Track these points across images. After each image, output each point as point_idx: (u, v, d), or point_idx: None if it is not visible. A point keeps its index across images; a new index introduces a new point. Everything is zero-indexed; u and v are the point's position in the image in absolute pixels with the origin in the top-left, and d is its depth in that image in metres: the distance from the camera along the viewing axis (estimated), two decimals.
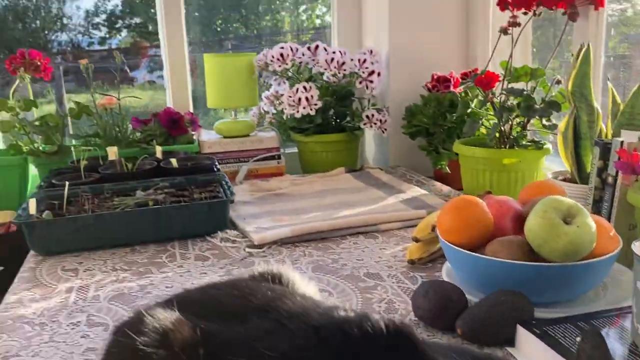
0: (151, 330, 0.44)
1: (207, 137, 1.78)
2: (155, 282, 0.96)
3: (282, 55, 1.67)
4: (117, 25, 2.63)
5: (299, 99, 1.61)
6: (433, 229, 0.97)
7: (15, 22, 2.37)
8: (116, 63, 1.71)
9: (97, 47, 2.61)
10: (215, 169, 1.47)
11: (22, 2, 2.37)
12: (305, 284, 0.57)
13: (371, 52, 1.69)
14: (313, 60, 1.71)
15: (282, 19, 2.42)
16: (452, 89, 1.61)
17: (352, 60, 1.66)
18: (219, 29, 2.40)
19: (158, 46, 1.98)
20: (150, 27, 2.66)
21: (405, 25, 1.76)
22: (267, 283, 0.55)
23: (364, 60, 1.65)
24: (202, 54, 1.87)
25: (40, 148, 1.62)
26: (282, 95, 1.77)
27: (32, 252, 1.13)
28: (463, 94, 1.60)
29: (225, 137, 1.77)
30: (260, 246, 1.10)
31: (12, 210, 1.53)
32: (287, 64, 1.68)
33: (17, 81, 1.65)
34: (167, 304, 0.50)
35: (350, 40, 1.96)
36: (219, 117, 2.04)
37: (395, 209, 1.27)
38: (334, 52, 1.63)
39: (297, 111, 1.62)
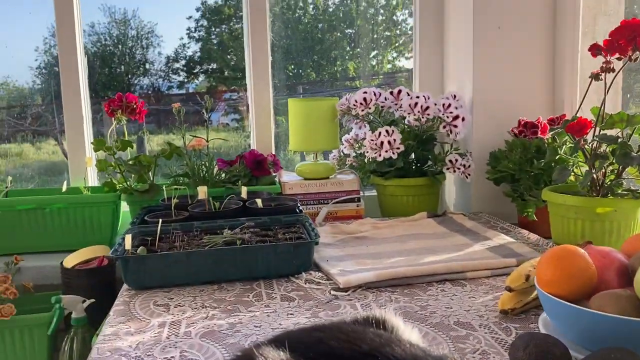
0: None
1: (288, 179, 1.82)
2: (244, 320, 0.98)
3: (365, 99, 1.69)
4: (195, 71, 2.76)
5: (381, 143, 1.62)
6: (527, 278, 0.94)
7: (103, 67, 2.53)
8: (192, 106, 1.79)
9: (175, 90, 2.74)
10: (298, 210, 1.49)
11: (109, 49, 2.54)
12: (409, 330, 0.56)
13: (454, 96, 1.69)
14: (395, 104, 1.72)
15: (353, 65, 2.47)
16: (539, 134, 1.57)
17: (435, 104, 1.66)
18: (290, 74, 2.47)
19: (233, 91, 2.05)
20: (226, 73, 2.77)
21: (489, 70, 1.75)
22: (371, 328, 0.54)
23: (448, 105, 1.65)
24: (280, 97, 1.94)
25: (133, 186, 1.70)
26: (362, 138, 1.79)
27: (125, 286, 1.18)
28: (550, 140, 1.56)
29: (306, 179, 1.80)
30: (345, 289, 1.10)
31: (105, 245, 1.61)
32: (369, 108, 1.70)
33: (114, 122, 1.75)
34: (272, 344, 0.50)
35: (432, 85, 1.97)
36: (288, 158, 2.09)
37: (483, 257, 1.23)
38: (417, 97, 1.64)
39: (379, 154, 1.62)
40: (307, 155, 1.96)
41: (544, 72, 1.78)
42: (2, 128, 2.53)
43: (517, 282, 0.95)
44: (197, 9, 2.67)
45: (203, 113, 2.49)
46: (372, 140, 1.63)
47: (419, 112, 1.64)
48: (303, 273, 1.20)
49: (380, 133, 1.63)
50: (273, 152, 1.95)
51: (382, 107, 1.74)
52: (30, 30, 2.33)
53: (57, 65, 2.51)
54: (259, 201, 1.48)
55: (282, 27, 2.42)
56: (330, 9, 2.52)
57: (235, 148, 2.16)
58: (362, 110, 1.69)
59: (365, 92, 1.70)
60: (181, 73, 2.73)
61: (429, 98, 1.66)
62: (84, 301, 1.42)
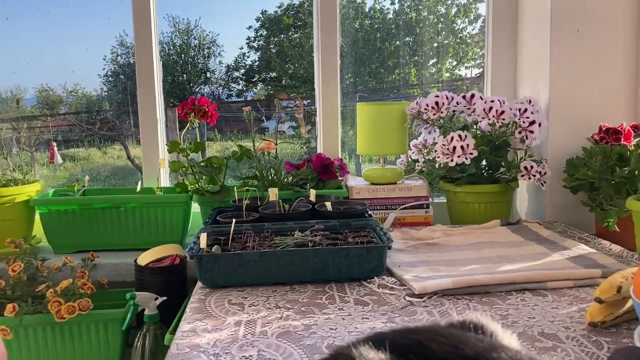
0: None
1: (355, 183, 1.80)
2: (319, 322, 0.97)
3: (437, 103, 1.66)
4: (254, 79, 2.80)
5: (454, 148, 1.59)
6: (619, 290, 0.89)
7: (166, 76, 2.61)
8: (251, 114, 1.80)
9: (234, 99, 2.79)
10: (367, 215, 1.48)
11: (172, 58, 2.61)
12: (508, 336, 0.54)
13: (529, 101, 1.64)
14: (468, 108, 1.68)
15: (414, 72, 2.45)
16: (622, 141, 1.50)
17: (510, 109, 1.61)
18: (347, 82, 2.47)
19: (290, 99, 2.06)
20: (283, 81, 2.80)
21: (567, 74, 1.69)
22: (469, 332, 0.52)
23: (524, 110, 1.59)
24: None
25: (204, 187, 1.73)
26: (432, 143, 1.75)
27: (199, 285, 1.19)
28: (634, 147, 1.49)
29: (373, 183, 1.78)
30: (420, 296, 1.07)
31: (177, 244, 1.64)
32: (441, 112, 1.67)
33: (187, 125, 1.79)
34: (368, 343, 0.49)
35: (504, 89, 1.91)
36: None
37: (564, 267, 1.18)
38: (492, 101, 1.60)
39: (451, 159, 1.59)
40: (363, 160, 1.95)
41: (626, 75, 1.70)
42: (72, 133, 2.64)
43: (608, 294, 0.90)
44: (257, 19, 2.71)
45: (263, 120, 2.51)
46: (444, 145, 1.60)
47: (493, 116, 1.59)
48: (375, 277, 1.19)
49: (452, 138, 1.59)
50: (340, 156, 1.94)
51: (453, 111, 1.70)
52: (99, 39, 2.43)
53: (123, 74, 2.60)
54: (328, 204, 1.47)
55: (341, 35, 2.43)
56: (389, 17, 2.51)
57: (291, 155, 2.17)
58: (434, 115, 1.66)
59: (437, 96, 1.67)
60: (240, 82, 2.77)
61: (504, 102, 1.61)
62: (156, 298, 1.45)
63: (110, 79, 2.65)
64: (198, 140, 1.75)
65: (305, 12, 2.72)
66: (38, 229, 1.75)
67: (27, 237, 1.63)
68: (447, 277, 1.11)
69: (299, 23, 2.80)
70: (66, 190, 1.81)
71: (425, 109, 1.68)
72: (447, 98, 1.66)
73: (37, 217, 1.75)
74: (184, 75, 2.84)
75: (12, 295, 1.50)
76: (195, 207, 1.81)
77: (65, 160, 2.52)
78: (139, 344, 1.43)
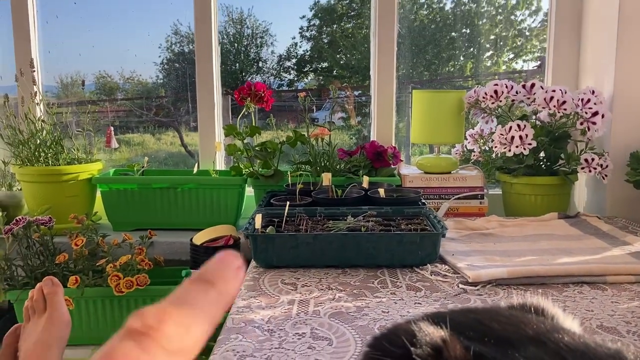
0: (425, 344, 0.44)
1: (408, 172, 1.79)
2: (371, 305, 0.97)
3: (495, 92, 1.63)
4: (305, 69, 2.80)
5: (512, 138, 1.55)
6: None
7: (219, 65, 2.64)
8: (306, 99, 1.81)
9: (285, 88, 2.80)
10: (420, 203, 1.47)
11: (226, 47, 2.64)
12: (570, 320, 0.53)
13: (593, 92, 1.58)
14: (528, 98, 1.64)
15: (470, 64, 2.40)
16: None
17: (572, 99, 1.56)
18: (401, 72, 2.46)
19: (341, 89, 2.05)
20: (334, 71, 2.79)
21: (634, 66, 1.62)
22: (531, 315, 0.52)
23: (587, 100, 1.54)
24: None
25: (258, 171, 1.75)
26: (489, 133, 1.72)
27: (253, 264, 1.22)
28: None
29: (426, 172, 1.77)
30: (474, 284, 1.06)
31: (231, 225, 1.67)
32: (500, 101, 1.63)
33: (244, 109, 1.82)
34: (428, 320, 0.49)
35: (566, 79, 1.85)
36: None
37: (625, 262, 1.14)
38: (553, 90, 1.55)
39: (509, 150, 1.56)
40: (414, 153, 1.92)
41: None
42: (128, 119, 2.72)
43: None
44: (311, 8, 2.71)
45: (313, 109, 2.51)
46: (502, 134, 1.57)
47: (554, 106, 1.55)
48: (428, 265, 1.18)
49: (511, 127, 1.56)
50: (394, 144, 1.93)
51: (512, 100, 1.66)
52: (154, 28, 2.49)
53: (177, 62, 2.65)
54: (381, 191, 1.47)
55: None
56: (447, 9, 2.47)
57: (341, 145, 2.16)
58: (492, 103, 1.63)
59: (497, 84, 1.63)
60: (292, 71, 2.78)
61: (565, 92, 1.56)
62: None
63: (165, 66, 2.71)
64: (254, 125, 1.78)
65: (358, 1, 2.71)
66: (99, 206, 1.82)
67: (89, 214, 1.69)
68: (502, 267, 1.09)
69: (352, 13, 2.78)
70: (126, 170, 1.88)
71: (484, 98, 1.65)
72: (506, 87, 1.63)
73: (98, 195, 1.82)
74: (237, 64, 2.87)
75: (74, 268, 1.57)
76: (249, 191, 1.85)
77: (121, 145, 2.61)
78: None
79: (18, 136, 1.70)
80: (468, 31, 2.42)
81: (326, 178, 1.50)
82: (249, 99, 1.82)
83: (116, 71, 2.56)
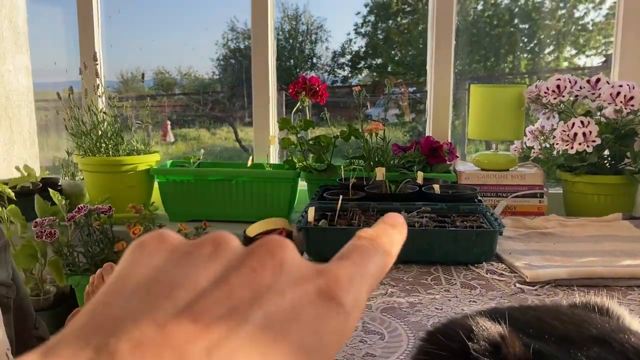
0: (482, 339, 0.42)
1: (464, 168, 1.75)
2: (424, 301, 0.95)
3: (558, 87, 1.57)
4: (359, 66, 2.77)
5: (575, 134, 1.50)
6: None
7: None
8: (361, 93, 1.79)
9: (339, 84, 2.79)
10: (476, 200, 1.43)
11: (281, 43, 2.65)
12: (637, 322, 0.50)
13: None
14: (592, 93, 1.57)
15: (525, 61, 2.32)
16: None
17: None
18: (456, 69, 2.41)
19: (396, 85, 2.02)
20: (389, 68, 2.75)
21: None
22: (594, 314, 0.49)
23: None
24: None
25: (311, 165, 1.75)
26: (553, 129, 1.66)
27: (305, 256, 1.22)
28: None
29: (483, 169, 1.72)
30: (532, 284, 1.03)
31: (284, 218, 1.68)
32: (562, 97, 1.57)
33: (298, 104, 1.82)
34: (486, 316, 0.47)
35: (634, 74, 1.77)
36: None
37: None
38: (620, 86, 1.48)
39: (572, 147, 1.50)
40: (469, 151, 1.88)
41: None
42: (185, 113, 2.77)
43: None
44: (366, 5, 2.68)
45: (367, 106, 2.49)
46: (564, 131, 1.51)
47: (621, 102, 1.48)
48: (484, 263, 1.15)
49: (574, 124, 1.50)
50: (449, 140, 1.90)
51: (576, 96, 1.60)
52: (211, 25, 2.53)
53: (233, 58, 2.69)
54: (436, 187, 1.44)
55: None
56: (504, 3, 2.39)
57: (394, 142, 2.12)
58: (554, 99, 1.57)
59: (559, 79, 1.57)
60: (346, 68, 2.77)
61: (633, 87, 1.49)
62: None
63: (221, 62, 2.75)
64: (308, 119, 1.78)
65: None
66: (155, 197, 1.87)
67: (146, 204, 1.74)
68: (562, 267, 1.05)
69: (408, 9, 2.75)
70: (182, 162, 1.92)
71: (546, 93, 1.59)
72: (569, 81, 1.57)
73: (155, 185, 1.87)
74: (291, 60, 2.89)
75: None
76: (302, 184, 1.85)
77: (177, 139, 2.67)
78: None
79: (81, 127, 1.77)
80: (526, 26, 2.35)
81: (380, 172, 1.48)
82: (304, 92, 1.82)
83: (174, 67, 2.62)
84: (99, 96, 1.82)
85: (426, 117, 1.98)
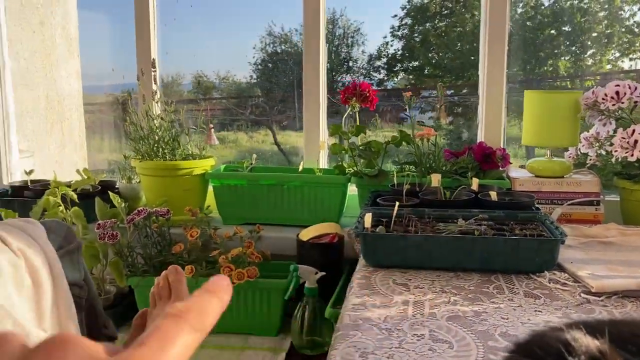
0: (582, 353, 0.43)
1: (518, 175, 1.74)
2: (489, 310, 0.95)
3: (617, 93, 1.54)
4: (395, 69, 2.76)
5: (635, 141, 1.47)
6: None
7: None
8: (412, 99, 1.79)
9: (374, 88, 2.80)
10: (534, 208, 1.42)
11: None
12: None
13: None
14: None
15: (564, 64, 2.28)
16: None
17: None
18: None
19: (432, 88, 2.01)
20: (426, 71, 2.73)
21: None
22: None
23: None
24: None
25: (361, 170, 1.76)
26: (606, 137, 1.63)
27: (362, 262, 1.23)
28: None
29: (537, 176, 1.70)
30: (598, 294, 1.01)
31: (336, 223, 1.70)
32: (622, 103, 1.54)
33: (349, 109, 1.84)
34: (580, 328, 0.47)
35: None
36: None
37: None
38: None
39: (632, 154, 1.47)
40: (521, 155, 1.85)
41: None
42: (223, 117, 2.82)
43: None
44: (403, 7, 2.68)
45: (406, 109, 2.50)
46: (623, 138, 1.48)
47: None
48: (545, 272, 1.14)
49: (634, 130, 1.47)
50: (502, 146, 1.88)
51: (635, 102, 1.57)
52: (247, 30, 2.57)
53: (270, 62, 2.72)
54: (493, 194, 1.43)
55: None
56: (545, 5, 2.36)
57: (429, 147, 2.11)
58: (613, 105, 1.55)
59: (618, 85, 1.55)
60: (382, 71, 2.76)
61: None
62: (316, 273, 1.51)
63: (259, 67, 2.78)
64: (359, 124, 1.79)
65: (452, 0, 2.65)
66: (209, 200, 1.91)
67: (202, 207, 1.78)
68: (630, 278, 1.04)
69: (446, 11, 2.73)
70: (235, 167, 1.95)
71: (603, 99, 1.56)
72: (629, 87, 1.54)
73: (209, 189, 1.91)
74: (328, 64, 2.92)
75: (188, 258, 1.65)
76: (351, 190, 1.86)
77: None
78: (298, 314, 1.51)
79: (139, 132, 1.82)
80: (568, 29, 2.31)
81: (435, 179, 1.48)
82: (354, 98, 1.84)
83: (212, 71, 2.67)
84: (156, 102, 1.86)
85: (478, 122, 1.97)
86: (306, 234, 1.62)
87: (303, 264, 1.56)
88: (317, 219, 1.75)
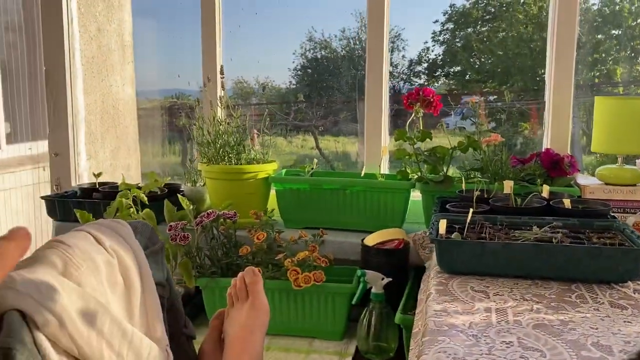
0: None
1: (587, 182, 1.70)
2: (575, 320, 0.94)
3: None
4: (436, 74, 2.74)
5: None
6: None
7: (350, 70, 2.67)
8: (477, 105, 1.76)
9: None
10: (609, 216, 1.38)
11: (357, 52, 2.66)
12: None
13: None
14: None
15: (620, 69, 2.21)
16: None
17: None
18: (537, 78, 2.33)
19: (472, 94, 1.98)
20: (467, 76, 2.70)
21: None
22: None
23: None
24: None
25: (425, 176, 1.76)
26: None
27: (437, 269, 1.22)
28: None
29: (607, 183, 1.66)
30: None
31: (401, 229, 1.69)
32: None
33: (413, 114, 1.83)
34: None
35: None
36: None
37: None
38: None
39: None
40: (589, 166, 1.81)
41: None
42: (264, 122, 2.87)
43: None
44: (444, 13, 2.66)
45: (451, 113, 2.47)
46: None
47: None
48: (629, 282, 1.11)
49: None
50: (569, 153, 1.84)
51: None
52: (288, 36, 2.60)
53: (310, 67, 2.74)
54: (566, 201, 1.41)
55: (536, 29, 2.28)
56: (594, 8, 2.29)
57: (473, 154, 2.07)
58: None
59: None
60: (422, 76, 2.74)
61: None
62: (383, 278, 1.51)
63: (299, 72, 2.80)
64: (424, 130, 1.78)
65: (495, 4, 2.62)
66: (271, 203, 1.93)
67: (266, 211, 1.80)
68: None
69: (488, 16, 2.70)
70: (297, 171, 1.97)
71: None
72: None
73: (272, 192, 1.93)
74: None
75: (253, 260, 1.68)
76: (414, 196, 1.85)
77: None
78: (365, 319, 1.51)
79: (206, 137, 1.86)
80: (618, 32, 2.25)
81: (507, 186, 1.46)
82: (418, 104, 1.83)
83: (252, 77, 2.70)
84: (223, 108, 1.90)
85: (544, 128, 1.93)
86: (371, 240, 1.63)
87: (367, 269, 1.56)
88: (380, 224, 1.75)
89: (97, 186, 2.05)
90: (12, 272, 0.75)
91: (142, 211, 1.73)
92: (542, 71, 2.20)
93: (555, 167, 1.71)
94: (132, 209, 1.72)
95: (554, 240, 1.19)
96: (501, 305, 1.00)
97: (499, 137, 1.72)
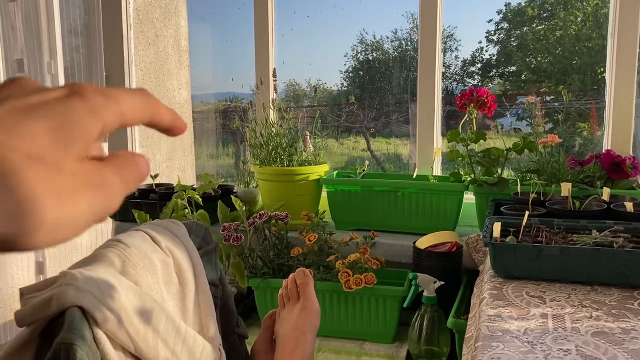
0: None
1: None
2: (638, 328, 0.90)
3: None
4: (490, 74, 2.66)
5: None
6: None
7: (402, 71, 2.63)
8: (534, 104, 1.72)
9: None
10: None
11: (409, 53, 2.62)
12: None
13: None
14: None
15: None
16: None
17: None
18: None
19: (528, 94, 1.91)
20: (523, 76, 2.61)
21: None
22: None
23: None
24: None
25: (479, 178, 1.72)
26: None
27: (491, 273, 1.20)
28: None
29: None
30: None
31: (453, 232, 1.67)
32: None
33: (466, 115, 1.80)
34: None
35: None
36: None
37: None
38: None
39: None
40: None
41: None
42: (315, 124, 2.87)
43: None
44: (499, 12, 2.59)
45: (506, 114, 2.40)
46: None
47: None
48: None
49: None
50: (632, 154, 1.77)
51: None
52: (339, 38, 2.59)
53: (362, 69, 2.72)
54: (629, 205, 1.35)
55: (594, 26, 2.19)
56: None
57: (528, 155, 2.01)
58: None
59: None
60: (476, 76, 2.68)
61: None
62: (435, 282, 1.49)
63: (350, 74, 2.80)
64: (477, 131, 1.75)
65: (551, 2, 2.53)
66: (322, 205, 1.94)
67: (317, 212, 1.81)
68: None
69: (545, 14, 2.61)
70: (348, 173, 1.97)
71: None
72: None
73: (323, 194, 1.94)
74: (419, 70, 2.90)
75: (304, 261, 1.69)
76: (467, 198, 1.82)
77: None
78: (416, 323, 1.50)
79: (258, 139, 1.88)
80: None
81: (565, 188, 1.42)
82: (472, 104, 1.80)
83: (304, 79, 2.72)
84: (276, 110, 1.93)
85: (603, 129, 1.86)
86: (423, 243, 1.61)
87: (419, 272, 1.55)
88: (432, 226, 1.73)
89: (154, 187, 2.11)
90: (74, 270, 0.79)
91: (196, 212, 1.77)
92: (601, 69, 2.12)
93: (617, 169, 1.65)
94: (186, 210, 1.76)
95: (614, 244, 1.14)
96: (558, 312, 0.97)
97: (556, 138, 1.67)
